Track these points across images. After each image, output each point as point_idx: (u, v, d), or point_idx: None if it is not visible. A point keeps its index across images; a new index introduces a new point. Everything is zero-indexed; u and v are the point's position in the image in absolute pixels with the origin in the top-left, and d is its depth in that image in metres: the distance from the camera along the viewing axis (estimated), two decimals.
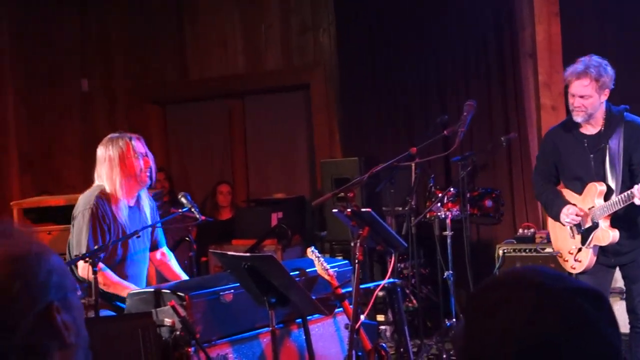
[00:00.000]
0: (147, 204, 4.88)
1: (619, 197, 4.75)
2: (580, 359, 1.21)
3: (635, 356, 5.18)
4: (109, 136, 4.78)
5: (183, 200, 4.87)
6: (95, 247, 4.44)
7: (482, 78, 7.50)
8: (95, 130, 9.61)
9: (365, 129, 8.11)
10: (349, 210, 4.12)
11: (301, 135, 8.98)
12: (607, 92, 4.85)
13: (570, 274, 5.11)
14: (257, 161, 9.35)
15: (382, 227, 4.22)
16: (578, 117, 4.87)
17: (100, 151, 4.73)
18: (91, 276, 4.24)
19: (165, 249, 5.10)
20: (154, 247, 5.03)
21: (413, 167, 7.01)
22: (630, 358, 5.29)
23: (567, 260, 5.12)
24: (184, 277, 5.03)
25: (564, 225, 5.09)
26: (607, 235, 4.86)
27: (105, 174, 4.68)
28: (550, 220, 5.34)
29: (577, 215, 4.95)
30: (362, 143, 8.10)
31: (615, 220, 4.90)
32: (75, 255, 4.49)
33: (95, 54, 9.81)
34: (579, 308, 1.24)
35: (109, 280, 4.53)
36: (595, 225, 4.91)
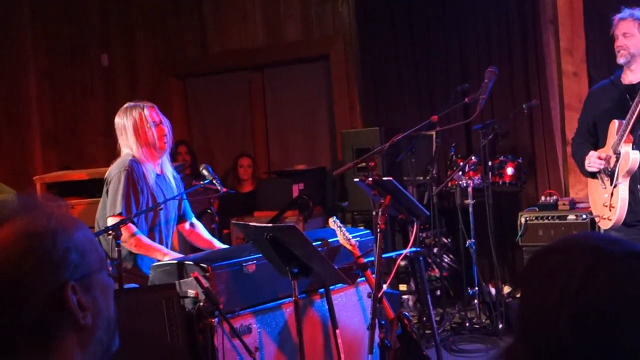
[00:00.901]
0: (170, 175, 4.92)
1: (631, 109, 4.79)
2: (637, 325, 1.18)
3: None
4: (125, 106, 4.87)
5: (204, 172, 4.88)
6: (123, 214, 4.51)
7: (503, 45, 7.44)
8: (116, 104, 9.58)
9: (386, 98, 8.07)
10: (370, 179, 4.11)
11: (321, 106, 8.96)
12: None
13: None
14: (277, 133, 9.34)
15: (404, 195, 4.21)
16: (621, 59, 4.96)
17: (117, 121, 4.84)
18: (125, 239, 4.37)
19: (194, 220, 5.14)
20: (182, 219, 5.06)
21: (434, 136, 7.00)
22: None
23: (604, 218, 5.07)
24: (216, 242, 5.07)
25: (592, 175, 5.08)
26: (628, 157, 4.83)
27: (126, 144, 4.78)
28: (589, 187, 5.32)
29: (599, 158, 4.95)
30: (383, 113, 8.07)
31: None
32: (107, 217, 4.57)
33: (116, 28, 9.82)
34: (636, 272, 1.21)
35: (141, 242, 4.59)
36: (618, 157, 4.89)
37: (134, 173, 4.65)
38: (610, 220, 4.98)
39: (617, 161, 4.91)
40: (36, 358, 1.43)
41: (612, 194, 4.97)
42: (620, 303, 1.19)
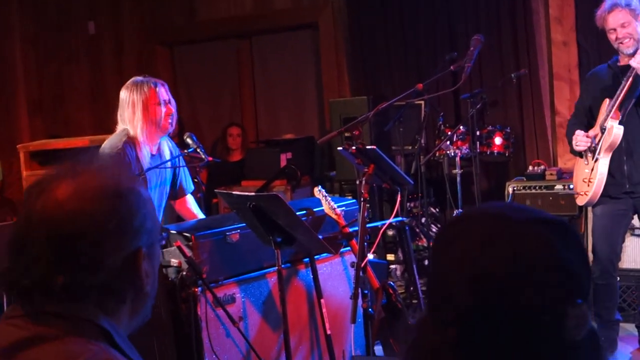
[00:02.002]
0: (168, 153, 4.80)
1: (624, 79, 4.78)
2: (534, 286, 1.20)
3: None
4: (133, 80, 4.68)
5: (188, 140, 4.83)
6: None
7: (491, 14, 7.37)
8: (103, 73, 9.58)
9: (374, 67, 8.02)
10: (354, 148, 4.08)
11: (310, 75, 8.89)
12: None
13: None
14: (266, 102, 9.28)
15: (388, 164, 4.18)
16: (629, 49, 4.91)
17: (124, 94, 4.64)
18: None
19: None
20: (180, 193, 4.97)
21: (422, 106, 6.95)
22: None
23: (582, 194, 5.07)
24: (202, 217, 5.02)
25: (579, 154, 5.08)
26: (611, 131, 4.84)
27: (128, 118, 4.61)
28: (575, 166, 5.32)
29: (586, 137, 4.95)
30: (371, 82, 8.02)
31: (633, 142, 4.90)
32: None
33: None
34: (537, 237, 1.24)
35: None
36: (603, 132, 4.89)
37: (125, 158, 4.50)
38: (586, 194, 4.99)
39: (602, 137, 4.90)
40: (96, 316, 1.45)
41: (592, 169, 4.97)
42: (520, 266, 1.21)
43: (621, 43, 4.89)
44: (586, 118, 5.21)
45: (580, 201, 5.11)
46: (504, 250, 1.22)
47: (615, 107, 4.82)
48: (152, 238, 1.50)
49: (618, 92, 4.81)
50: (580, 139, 4.98)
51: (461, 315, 1.22)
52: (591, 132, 5.01)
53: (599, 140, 4.92)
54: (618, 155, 4.94)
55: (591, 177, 4.98)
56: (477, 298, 1.21)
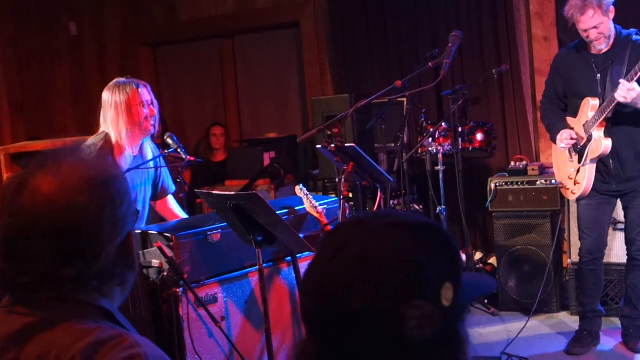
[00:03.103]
0: (150, 154, 4.76)
1: (606, 101, 4.79)
2: (367, 288, 1.21)
3: (632, 288, 5.21)
4: (116, 81, 4.64)
5: (169, 140, 4.80)
6: None
7: (472, 10, 7.38)
8: (85, 74, 9.54)
9: (357, 65, 8.02)
10: (332, 145, 4.08)
11: (292, 73, 8.88)
12: (612, 9, 4.93)
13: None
14: (248, 101, 9.27)
15: (367, 162, 4.18)
16: (602, 46, 4.95)
17: (106, 95, 4.59)
18: None
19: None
20: (162, 194, 4.94)
21: (405, 103, 6.95)
22: (625, 289, 5.31)
23: (568, 188, 5.13)
24: (184, 217, 5.00)
25: (562, 150, 5.12)
26: (600, 144, 4.87)
27: (111, 120, 4.56)
28: (553, 152, 5.37)
29: (571, 138, 4.98)
30: (354, 80, 8.02)
31: (618, 143, 4.93)
32: None
33: None
34: (388, 240, 1.24)
35: None
36: (589, 139, 4.92)
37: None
38: (574, 194, 5.07)
39: (587, 142, 4.93)
40: (97, 300, 1.51)
41: (578, 171, 5.01)
42: (362, 269, 1.22)
43: (593, 42, 4.95)
44: (560, 101, 5.25)
45: (568, 196, 5.18)
46: (350, 255, 1.23)
47: (602, 119, 4.84)
48: (135, 217, 1.56)
49: (606, 103, 4.81)
50: (568, 142, 5.02)
51: (309, 323, 1.25)
52: (575, 129, 5.03)
53: (584, 144, 4.96)
54: (605, 156, 4.98)
55: (577, 179, 5.03)
56: (318, 305, 1.23)
